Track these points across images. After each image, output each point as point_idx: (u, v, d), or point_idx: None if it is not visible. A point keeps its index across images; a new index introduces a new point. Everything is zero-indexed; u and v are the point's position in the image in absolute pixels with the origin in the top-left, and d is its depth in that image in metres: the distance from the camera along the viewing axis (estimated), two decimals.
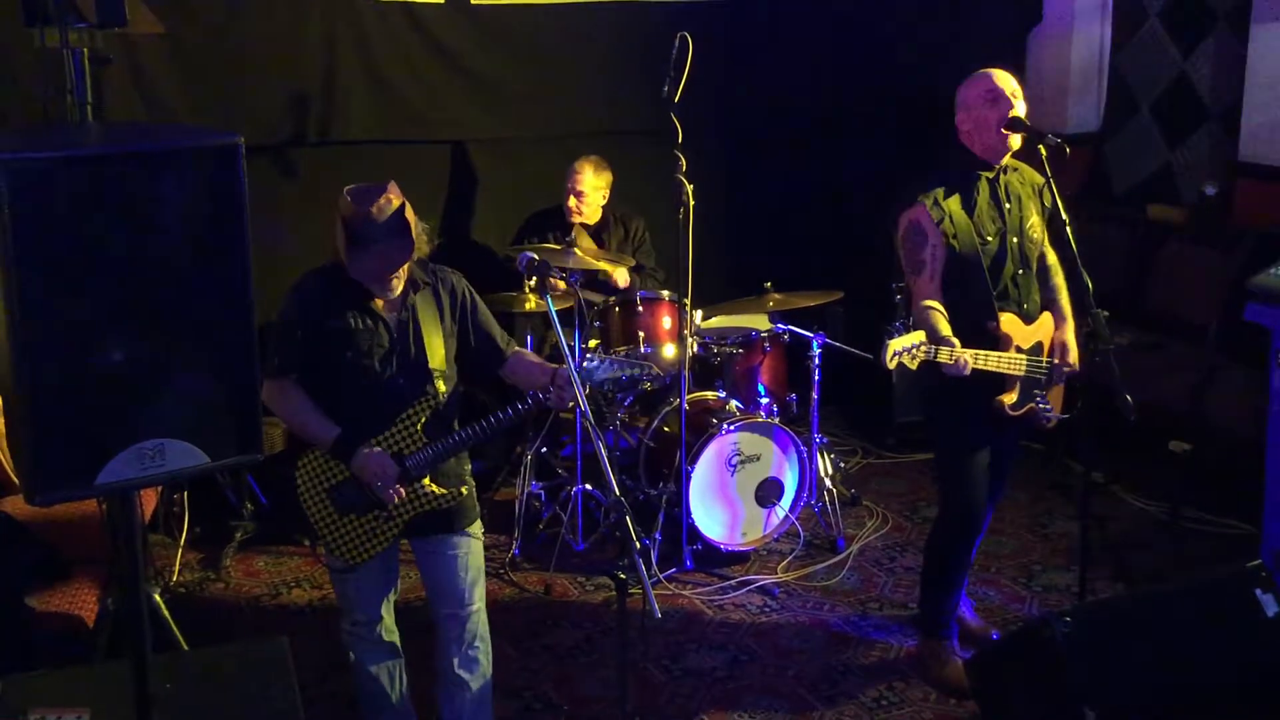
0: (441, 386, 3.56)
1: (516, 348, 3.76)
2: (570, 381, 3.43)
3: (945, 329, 3.79)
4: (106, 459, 1.96)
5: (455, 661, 3.64)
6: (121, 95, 5.07)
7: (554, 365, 3.62)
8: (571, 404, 3.53)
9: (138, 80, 5.22)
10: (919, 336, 3.65)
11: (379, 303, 3.49)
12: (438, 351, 3.57)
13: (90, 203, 1.89)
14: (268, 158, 5.63)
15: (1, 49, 4.88)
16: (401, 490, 3.46)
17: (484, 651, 3.69)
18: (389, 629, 3.69)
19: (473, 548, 3.64)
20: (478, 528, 3.67)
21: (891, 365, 3.62)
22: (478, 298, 3.72)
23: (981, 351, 3.81)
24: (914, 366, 3.65)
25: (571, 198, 5.67)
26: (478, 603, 3.66)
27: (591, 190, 5.67)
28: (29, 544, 3.88)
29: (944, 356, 3.70)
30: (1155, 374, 5.69)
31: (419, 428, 3.49)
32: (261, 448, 2.13)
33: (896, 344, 3.61)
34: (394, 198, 3.36)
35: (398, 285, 3.47)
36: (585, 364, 3.63)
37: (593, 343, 5.28)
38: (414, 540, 3.63)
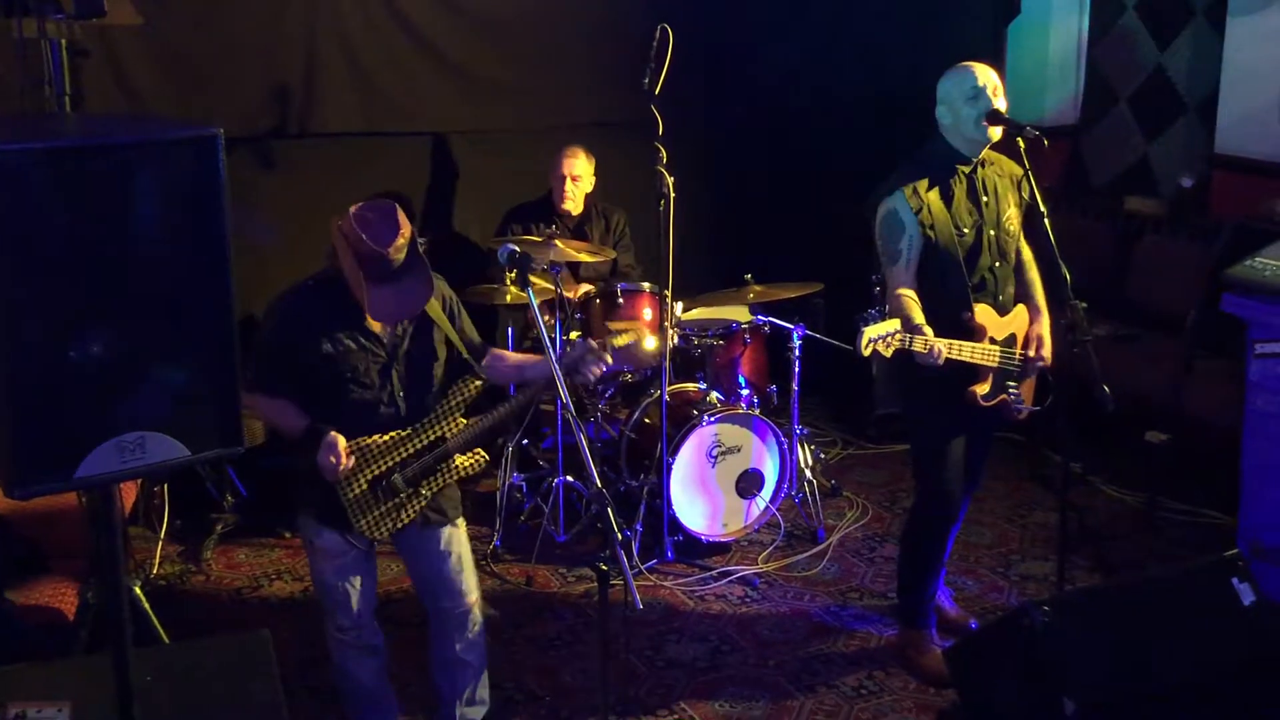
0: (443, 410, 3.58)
1: (494, 348, 3.77)
2: (580, 361, 3.48)
3: (919, 317, 3.80)
4: (86, 452, 1.94)
5: (458, 648, 3.68)
6: (100, 87, 5.02)
7: (534, 357, 3.65)
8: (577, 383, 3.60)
9: (116, 72, 5.17)
10: (894, 324, 3.65)
11: (375, 322, 3.46)
12: (442, 363, 3.58)
13: (68, 195, 1.87)
14: (247, 149, 5.59)
15: None
16: (348, 460, 3.41)
17: (481, 633, 3.74)
18: (374, 629, 3.68)
19: (456, 537, 3.64)
20: (460, 519, 3.67)
21: (866, 352, 3.61)
22: (458, 300, 3.71)
23: (955, 341, 3.83)
24: (888, 354, 3.65)
25: (568, 182, 5.64)
26: (474, 592, 3.69)
27: (585, 175, 5.67)
28: (8, 538, 3.87)
29: (918, 345, 3.71)
30: (1133, 365, 5.73)
31: (412, 450, 3.51)
32: (243, 440, 2.12)
33: (872, 331, 3.60)
34: (405, 229, 3.29)
35: None
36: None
37: (574, 334, 5.28)
38: (396, 538, 3.61)
